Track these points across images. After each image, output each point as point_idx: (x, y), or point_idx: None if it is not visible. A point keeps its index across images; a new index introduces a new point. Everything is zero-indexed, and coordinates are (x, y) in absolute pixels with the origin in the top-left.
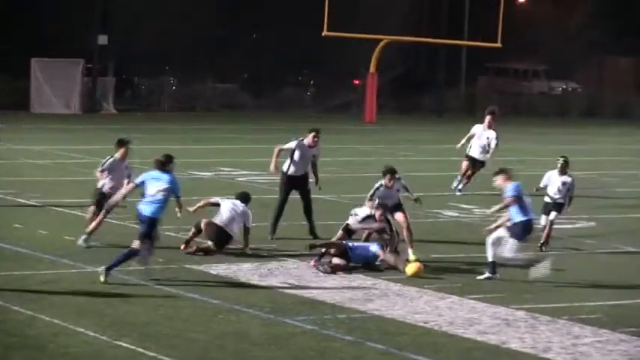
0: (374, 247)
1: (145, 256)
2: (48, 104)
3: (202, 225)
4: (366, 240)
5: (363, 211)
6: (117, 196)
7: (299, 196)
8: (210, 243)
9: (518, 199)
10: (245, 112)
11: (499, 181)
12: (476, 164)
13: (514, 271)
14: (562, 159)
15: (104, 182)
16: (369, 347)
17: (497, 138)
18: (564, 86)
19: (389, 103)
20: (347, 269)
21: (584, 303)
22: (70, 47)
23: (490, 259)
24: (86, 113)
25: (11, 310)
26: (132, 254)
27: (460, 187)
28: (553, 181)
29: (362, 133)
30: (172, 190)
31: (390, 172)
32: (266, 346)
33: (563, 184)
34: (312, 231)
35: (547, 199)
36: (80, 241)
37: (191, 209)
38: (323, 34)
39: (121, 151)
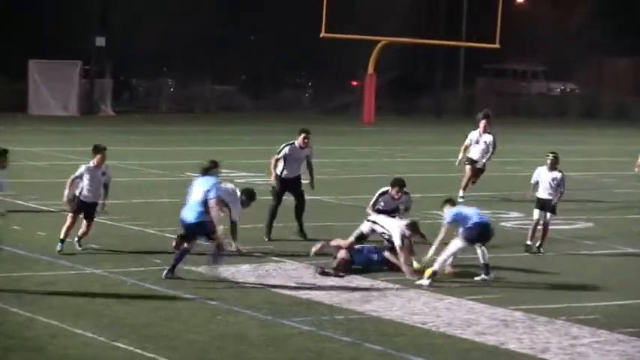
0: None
1: (215, 258)
2: (46, 106)
3: None
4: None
5: (387, 222)
6: None
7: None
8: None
9: (454, 223)
10: (243, 113)
11: (445, 209)
12: (477, 169)
13: (512, 273)
14: (552, 155)
15: (81, 188)
16: (367, 348)
17: (494, 142)
18: (563, 87)
19: (387, 105)
20: (349, 269)
21: (583, 304)
22: (68, 49)
23: (482, 262)
24: (84, 115)
25: (10, 311)
26: (218, 250)
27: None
28: (543, 178)
29: (360, 135)
30: (208, 192)
31: (400, 184)
32: (264, 347)
33: (553, 179)
34: (301, 232)
35: (539, 195)
36: (59, 248)
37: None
38: (321, 35)
39: (98, 157)
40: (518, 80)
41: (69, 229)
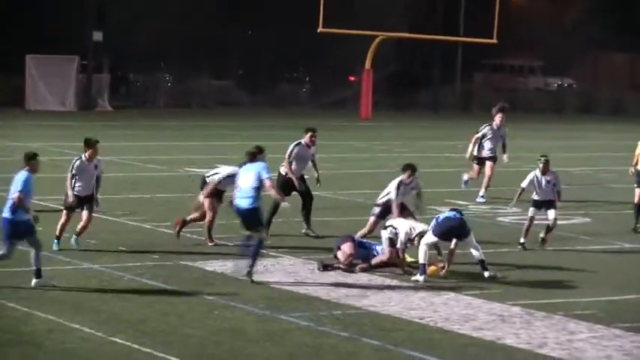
0: (379, 248)
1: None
2: (43, 101)
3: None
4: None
5: (400, 224)
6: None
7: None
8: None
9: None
10: (241, 108)
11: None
12: (485, 163)
13: (509, 268)
14: (543, 158)
15: (73, 183)
16: (365, 343)
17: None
18: (560, 82)
19: (384, 100)
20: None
21: (580, 299)
22: (65, 44)
23: (477, 260)
24: (81, 110)
25: (7, 306)
26: (259, 246)
27: (481, 192)
28: (538, 182)
29: (357, 130)
30: (259, 175)
31: (411, 168)
32: (261, 342)
33: (548, 182)
34: (311, 230)
35: (536, 197)
36: (72, 242)
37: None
38: (318, 30)
39: (90, 151)
40: (515, 75)
41: (64, 226)
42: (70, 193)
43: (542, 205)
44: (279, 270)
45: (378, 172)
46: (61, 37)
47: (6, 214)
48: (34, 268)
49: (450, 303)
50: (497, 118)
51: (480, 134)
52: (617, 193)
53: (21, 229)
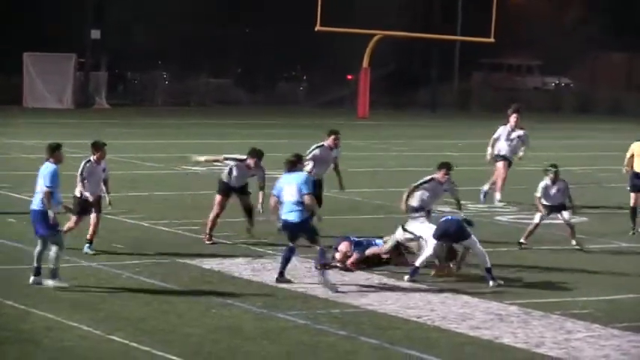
0: (379, 241)
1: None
2: (41, 99)
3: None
4: None
5: (417, 228)
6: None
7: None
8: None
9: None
10: (239, 107)
11: None
12: (500, 163)
13: (507, 268)
14: (553, 169)
15: (81, 187)
16: (362, 342)
17: (527, 136)
18: (557, 81)
19: (382, 99)
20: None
21: (577, 298)
22: (63, 42)
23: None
24: (79, 108)
25: (5, 304)
26: (323, 254)
27: (498, 196)
28: (549, 192)
29: (355, 129)
30: (300, 190)
31: (447, 166)
32: (259, 340)
33: (558, 190)
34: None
35: (545, 203)
36: (86, 250)
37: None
38: (316, 28)
39: (98, 154)
40: (513, 75)
41: (94, 227)
42: (87, 194)
43: (552, 209)
44: (277, 268)
45: (376, 171)
46: (59, 35)
47: (35, 206)
48: (51, 267)
49: (447, 302)
50: (512, 119)
51: (495, 135)
52: (614, 193)
53: (45, 221)
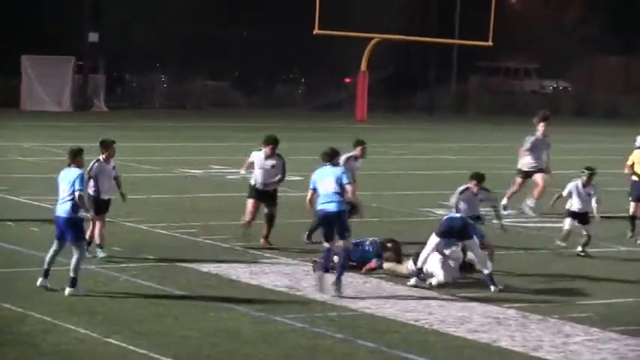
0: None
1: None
2: (39, 102)
3: None
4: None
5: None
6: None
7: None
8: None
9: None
10: (236, 110)
11: None
12: (534, 175)
13: (505, 271)
14: (587, 171)
15: (94, 186)
16: (360, 345)
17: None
18: (555, 85)
19: (380, 102)
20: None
21: (575, 302)
22: (61, 44)
23: (485, 272)
24: (77, 110)
25: (3, 307)
26: (347, 255)
27: (531, 204)
28: (578, 193)
29: (353, 132)
30: (340, 181)
31: (477, 178)
32: (257, 343)
33: (588, 195)
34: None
35: (573, 208)
36: (100, 254)
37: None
38: (314, 32)
39: (107, 152)
40: (510, 78)
41: (101, 230)
42: (91, 191)
43: (578, 216)
44: (275, 271)
45: (374, 174)
46: (57, 37)
47: (63, 213)
48: (71, 276)
49: (445, 305)
50: (541, 127)
51: (525, 146)
52: (612, 197)
53: (76, 229)
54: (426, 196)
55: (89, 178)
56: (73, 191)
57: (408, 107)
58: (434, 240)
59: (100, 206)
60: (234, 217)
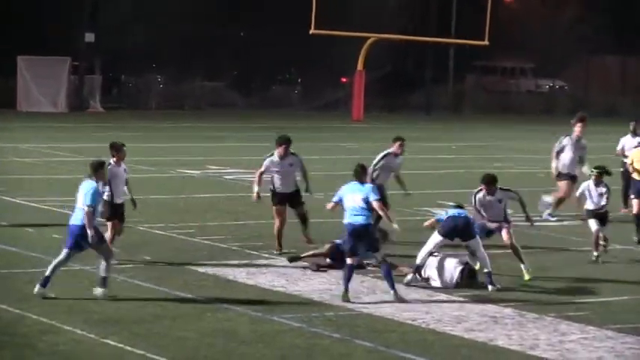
0: None
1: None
2: (35, 102)
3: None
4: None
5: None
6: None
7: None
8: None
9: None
10: (233, 110)
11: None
12: (573, 179)
13: (501, 270)
14: (595, 171)
15: (108, 190)
16: (357, 345)
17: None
18: (551, 84)
19: (377, 101)
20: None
21: (572, 300)
22: (57, 45)
23: (485, 270)
24: (73, 111)
25: (0, 308)
26: (388, 267)
27: (551, 211)
28: (591, 194)
29: (349, 131)
30: (367, 198)
31: (486, 181)
32: (254, 343)
33: (600, 194)
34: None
35: (589, 207)
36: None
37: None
38: (311, 32)
39: (118, 155)
40: (507, 77)
41: (112, 239)
42: (105, 196)
43: (596, 216)
44: (272, 271)
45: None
46: (53, 38)
47: (78, 221)
48: (101, 276)
49: (442, 304)
50: (577, 128)
51: (558, 147)
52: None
53: (95, 234)
54: (424, 195)
55: (104, 183)
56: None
57: (404, 107)
58: (436, 238)
59: (116, 210)
60: (231, 218)
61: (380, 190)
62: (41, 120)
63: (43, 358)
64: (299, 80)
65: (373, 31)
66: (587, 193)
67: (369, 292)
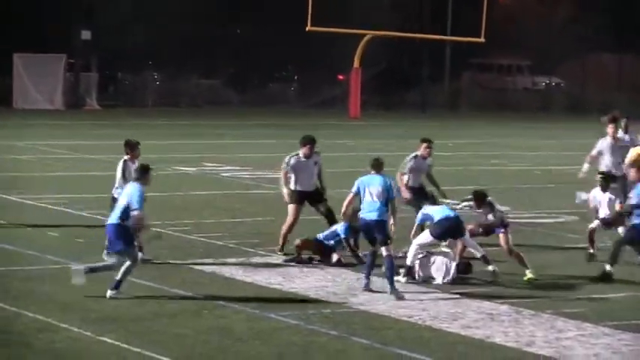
0: (340, 228)
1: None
2: (31, 100)
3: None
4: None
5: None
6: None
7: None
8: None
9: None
10: (230, 108)
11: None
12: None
13: (498, 267)
14: (601, 177)
15: (120, 187)
16: (354, 342)
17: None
18: (548, 81)
19: (373, 99)
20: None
21: (568, 297)
22: (53, 43)
23: (478, 255)
24: (69, 109)
25: None
26: (391, 261)
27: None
28: (599, 200)
29: (346, 129)
30: (387, 195)
31: (476, 198)
32: (250, 341)
33: (610, 200)
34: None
35: (601, 215)
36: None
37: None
38: (307, 29)
39: (132, 153)
40: (503, 75)
41: None
42: (115, 194)
43: (607, 224)
44: (269, 269)
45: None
46: (49, 35)
47: (114, 220)
48: (118, 278)
49: (438, 301)
50: (610, 129)
51: (595, 151)
52: None
53: (127, 236)
54: None
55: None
56: (128, 205)
57: (401, 104)
58: (427, 239)
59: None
60: (227, 215)
61: (420, 192)
62: (37, 117)
63: (39, 356)
64: (296, 78)
65: (369, 29)
66: (597, 204)
67: (366, 290)
